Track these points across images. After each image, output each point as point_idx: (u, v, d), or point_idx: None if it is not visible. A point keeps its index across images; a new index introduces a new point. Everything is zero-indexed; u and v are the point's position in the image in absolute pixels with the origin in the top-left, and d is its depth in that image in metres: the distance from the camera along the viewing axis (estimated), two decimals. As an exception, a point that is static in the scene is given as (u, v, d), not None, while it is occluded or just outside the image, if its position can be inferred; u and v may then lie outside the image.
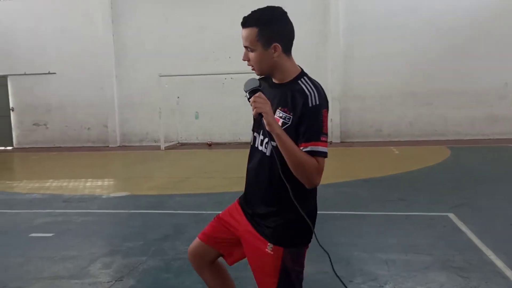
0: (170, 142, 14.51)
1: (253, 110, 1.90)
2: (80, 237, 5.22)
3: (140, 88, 14.91)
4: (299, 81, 1.98)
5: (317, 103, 1.91)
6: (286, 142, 1.87)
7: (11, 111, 15.78)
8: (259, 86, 1.97)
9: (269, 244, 2.05)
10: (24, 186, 8.77)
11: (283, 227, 2.05)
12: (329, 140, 14.20)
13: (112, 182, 8.90)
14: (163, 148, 13.73)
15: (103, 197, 7.42)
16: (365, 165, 10.22)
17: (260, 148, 2.08)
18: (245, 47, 1.99)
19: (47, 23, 15.05)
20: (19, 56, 15.28)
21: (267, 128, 1.89)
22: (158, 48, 14.68)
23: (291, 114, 1.92)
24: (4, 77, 15.61)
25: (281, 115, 1.95)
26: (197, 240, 2.40)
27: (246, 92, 1.95)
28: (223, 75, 13.74)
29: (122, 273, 4.09)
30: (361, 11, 13.87)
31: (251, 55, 1.98)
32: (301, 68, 2.06)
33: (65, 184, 8.70)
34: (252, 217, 2.18)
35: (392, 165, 9.92)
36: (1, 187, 8.55)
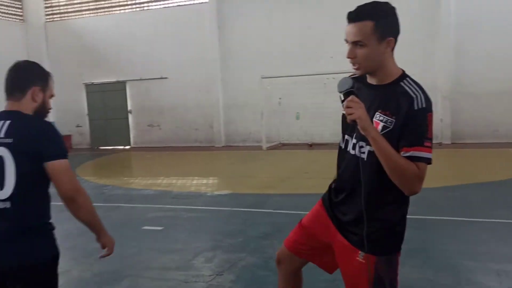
0: (272, 142, 14.75)
1: (346, 114, 1.83)
2: (186, 232, 5.54)
3: (243, 90, 15.37)
4: (402, 83, 1.87)
5: (423, 106, 1.80)
6: (383, 147, 1.78)
7: (129, 113, 17.20)
8: (353, 87, 1.87)
9: (360, 252, 1.97)
10: (139, 182, 9.52)
11: (376, 234, 1.95)
12: (438, 141, 13.45)
13: (216, 181, 9.29)
14: (265, 148, 14.01)
15: (208, 194, 7.79)
16: (478, 168, 9.49)
17: (352, 152, 1.99)
18: (354, 42, 1.86)
19: (161, 31, 16.14)
20: (137, 63, 16.59)
21: (362, 132, 1.82)
22: (261, 50, 15.01)
23: (394, 117, 1.82)
24: (124, 83, 17.06)
25: (381, 118, 1.85)
26: (283, 247, 2.39)
27: (340, 93, 1.88)
28: (325, 75, 13.62)
29: (223, 268, 4.27)
30: (476, 5, 12.90)
31: (360, 51, 1.85)
32: (402, 69, 1.95)
33: (174, 181, 9.27)
34: (341, 224, 2.10)
35: (509, 169, 9.08)
36: (119, 183, 9.35)
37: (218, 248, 4.86)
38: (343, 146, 2.07)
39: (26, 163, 2.06)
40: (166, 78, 16.33)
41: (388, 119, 1.83)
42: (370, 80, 1.95)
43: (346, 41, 1.90)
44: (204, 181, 9.13)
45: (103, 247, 2.42)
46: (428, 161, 1.79)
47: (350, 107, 1.80)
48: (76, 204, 2.15)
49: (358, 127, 1.81)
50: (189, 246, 4.99)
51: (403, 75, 1.91)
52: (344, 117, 1.99)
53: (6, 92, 2.22)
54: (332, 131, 14.19)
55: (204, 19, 15.55)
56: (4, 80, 2.24)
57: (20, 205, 2.09)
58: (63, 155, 2.11)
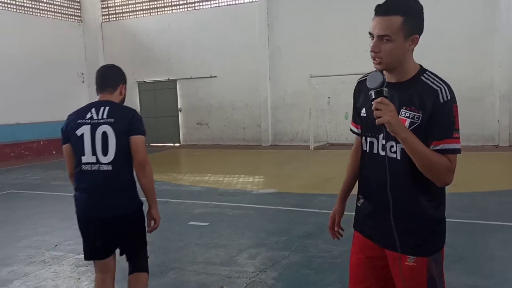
0: (319, 142, 14.66)
1: (375, 116, 1.75)
2: (231, 228, 5.62)
3: (292, 89, 15.36)
4: (422, 77, 1.85)
5: (448, 98, 1.78)
6: (413, 144, 1.75)
7: (179, 111, 17.61)
8: (383, 83, 1.76)
9: (408, 257, 1.90)
10: (187, 179, 9.74)
11: (420, 234, 1.90)
12: (495, 143, 12.88)
13: (262, 179, 9.35)
14: (312, 148, 13.94)
15: (253, 192, 7.86)
16: (537, 173, 9.00)
17: (382, 153, 1.90)
18: (380, 36, 1.82)
19: (211, 30, 16.41)
20: (187, 62, 16.96)
21: (392, 134, 1.76)
22: (310, 49, 14.94)
23: (420, 112, 1.80)
24: (174, 81, 17.48)
25: (408, 114, 1.82)
26: None
27: (371, 89, 1.78)
28: (375, 74, 13.38)
29: (266, 265, 4.31)
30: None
31: (386, 46, 1.81)
32: (419, 64, 1.92)
33: (221, 178, 9.42)
34: (382, 236, 1.98)
35: None
36: (169, 179, 9.61)
37: (262, 246, 4.90)
38: (367, 149, 2.00)
39: (121, 137, 2.83)
40: (215, 77, 16.58)
41: (415, 115, 1.81)
42: (388, 78, 1.88)
43: (371, 34, 1.86)
44: (250, 179, 9.21)
45: (151, 218, 3.03)
46: (458, 151, 1.79)
47: (379, 109, 1.74)
48: (144, 171, 2.89)
49: (388, 130, 1.75)
50: (234, 242, 5.06)
51: (422, 70, 1.89)
52: (365, 118, 2.00)
53: (99, 87, 3.07)
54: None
55: (254, 18, 15.66)
56: (96, 78, 3.10)
57: (118, 168, 2.83)
58: (143, 133, 2.93)
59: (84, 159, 2.87)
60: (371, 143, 1.98)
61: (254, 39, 15.71)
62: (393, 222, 1.88)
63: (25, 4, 16.39)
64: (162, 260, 4.62)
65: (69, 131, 2.95)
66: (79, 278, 4.22)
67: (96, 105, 2.96)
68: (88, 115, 2.91)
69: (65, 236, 5.56)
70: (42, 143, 15.29)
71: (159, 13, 17.68)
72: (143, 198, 2.94)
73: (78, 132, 2.88)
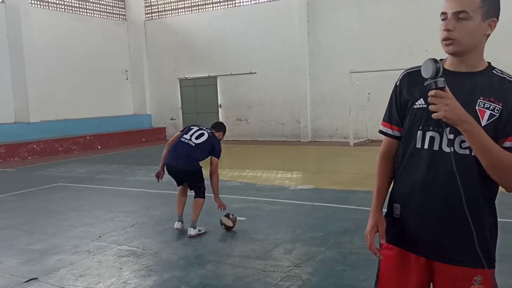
0: (359, 138, 14.48)
1: (431, 110, 1.56)
2: (268, 223, 5.69)
3: (332, 85, 15.23)
4: (494, 72, 1.68)
5: None
6: (479, 137, 1.55)
7: (219, 107, 17.83)
8: (437, 73, 1.54)
9: (476, 278, 1.67)
10: (226, 174, 9.85)
11: (487, 243, 1.69)
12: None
13: (300, 175, 9.36)
14: (352, 145, 13.79)
15: (291, 188, 7.89)
16: None
17: (447, 150, 1.66)
18: (456, 13, 1.62)
19: (252, 27, 16.50)
20: (227, 58, 17.13)
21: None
22: (351, 44, 14.77)
23: (500, 104, 1.61)
24: (215, 77, 17.71)
25: (487, 105, 1.62)
26: None
27: (426, 79, 1.57)
28: (417, 69, 13.08)
29: (301, 260, 4.35)
30: None
31: (462, 24, 1.62)
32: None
33: (259, 174, 9.50)
34: (440, 248, 1.74)
35: None
36: (207, 174, 9.74)
37: (297, 241, 4.94)
38: (421, 146, 1.74)
39: (208, 145, 5.50)
40: (255, 73, 16.66)
41: (496, 106, 1.61)
42: (456, 67, 1.70)
43: (444, 14, 1.67)
44: (288, 175, 9.24)
45: (218, 205, 5.53)
46: None
47: (435, 104, 1.54)
48: (212, 177, 5.46)
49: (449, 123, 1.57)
50: (270, 237, 5.13)
51: (491, 66, 1.72)
52: (424, 110, 1.72)
53: (213, 126, 5.93)
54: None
55: (294, 14, 15.62)
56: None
57: (197, 150, 5.46)
58: (219, 156, 5.54)
59: (185, 136, 5.48)
60: (431, 139, 1.71)
61: (294, 35, 15.67)
62: (457, 229, 1.68)
63: (73, 4, 17.04)
64: (200, 252, 4.74)
65: (186, 128, 5.73)
66: (121, 268, 4.40)
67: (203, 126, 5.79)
68: (199, 126, 5.75)
69: (109, 228, 5.79)
70: (88, 138, 15.88)
71: (200, 10, 17.94)
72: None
73: (191, 127, 5.68)
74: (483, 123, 1.61)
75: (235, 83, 17.25)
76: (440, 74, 1.54)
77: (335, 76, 14.97)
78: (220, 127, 5.87)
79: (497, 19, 1.66)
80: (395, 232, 1.86)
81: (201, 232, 5.37)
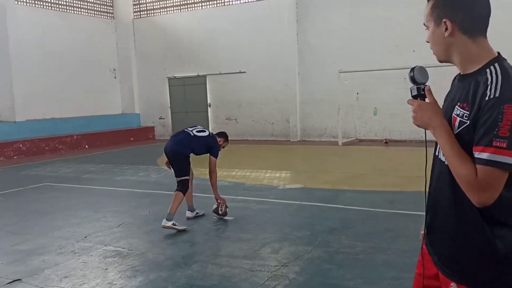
0: (348, 138, 14.53)
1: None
2: (256, 223, 5.68)
3: (321, 85, 15.24)
4: (488, 69, 1.53)
5: (496, 95, 1.44)
6: (442, 144, 1.55)
7: (208, 106, 17.77)
8: (414, 80, 1.65)
9: (452, 284, 1.64)
10: (214, 174, 9.83)
11: (467, 260, 1.59)
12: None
13: (289, 174, 9.36)
14: (341, 144, 13.83)
15: (280, 188, 7.88)
16: None
17: (441, 157, 1.66)
18: (424, 24, 1.70)
19: (241, 26, 16.45)
20: (217, 57, 17.07)
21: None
22: (340, 44, 14.80)
23: (469, 110, 1.51)
24: (204, 77, 17.64)
25: (458, 112, 1.56)
26: None
27: (411, 88, 1.67)
28: (406, 69, 13.10)
29: (288, 260, 4.34)
30: None
31: (428, 35, 1.69)
32: (496, 54, 1.61)
33: (248, 173, 9.48)
34: (435, 254, 1.74)
35: None
36: (196, 174, 9.63)
37: (285, 240, 4.93)
38: (435, 152, 1.74)
39: (206, 142, 5.99)
40: (244, 72, 16.63)
41: (465, 113, 1.53)
42: (459, 69, 1.70)
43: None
44: (277, 175, 9.23)
45: (216, 199, 5.92)
46: (497, 165, 1.41)
47: (412, 112, 1.62)
48: (211, 175, 5.93)
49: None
50: (257, 236, 5.11)
51: (494, 60, 1.56)
52: None
53: (217, 133, 6.37)
54: (413, 128, 13.61)
55: (283, 13, 15.60)
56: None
57: (190, 141, 5.89)
58: (216, 156, 5.95)
59: (188, 128, 6.11)
60: (436, 144, 1.70)
61: (283, 34, 15.67)
62: (445, 239, 1.68)
63: (60, 2, 16.86)
64: (186, 252, 4.72)
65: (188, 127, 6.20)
66: (106, 269, 4.35)
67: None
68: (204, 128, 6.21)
69: (95, 228, 5.74)
70: (75, 137, 15.73)
71: (189, 9, 17.86)
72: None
73: (197, 125, 6.30)
74: (455, 131, 1.56)
75: (224, 82, 17.20)
76: (416, 84, 1.67)
77: (325, 75, 15.00)
78: (223, 135, 6.31)
79: (455, 19, 1.58)
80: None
81: (177, 227, 5.38)
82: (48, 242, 5.23)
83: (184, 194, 5.56)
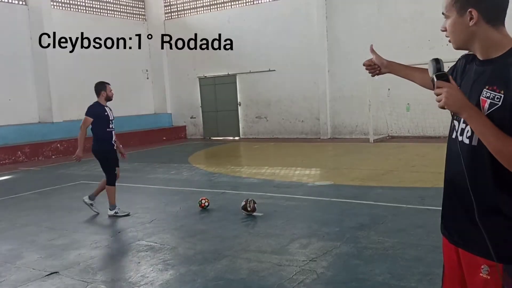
0: (379, 135, 14.34)
1: (436, 100, 1.63)
2: (284, 219, 5.70)
3: (351, 81, 15.10)
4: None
5: None
6: (478, 124, 1.56)
7: (238, 105, 17.89)
8: (438, 67, 1.64)
9: (483, 267, 1.65)
10: (245, 171, 9.92)
11: (500, 235, 1.62)
12: None
13: (318, 172, 9.33)
14: (372, 141, 13.67)
15: (309, 184, 7.88)
16: None
17: (460, 138, 1.71)
18: (443, 14, 1.73)
19: (270, 24, 16.49)
20: (246, 56, 17.17)
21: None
22: (369, 40, 14.52)
23: (501, 92, 1.56)
24: (234, 76, 17.77)
25: (488, 95, 1.60)
26: None
27: (432, 76, 1.66)
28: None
29: (316, 255, 4.35)
30: None
31: (446, 23, 1.72)
32: None
33: (277, 171, 9.50)
34: (460, 236, 1.77)
35: None
36: (227, 171, 9.84)
37: (313, 236, 4.94)
38: (452, 135, 1.79)
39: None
40: (273, 70, 16.65)
41: (496, 95, 1.58)
42: (478, 55, 1.73)
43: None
44: (307, 172, 9.22)
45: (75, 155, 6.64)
46: None
47: (438, 94, 1.61)
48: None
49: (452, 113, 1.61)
50: (286, 232, 5.14)
51: None
52: None
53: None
54: (446, 124, 13.30)
55: (312, 10, 15.55)
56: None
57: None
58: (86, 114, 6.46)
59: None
60: (453, 126, 1.77)
61: (312, 32, 15.61)
62: (470, 221, 1.67)
63: (94, 5, 17.32)
64: (216, 247, 4.79)
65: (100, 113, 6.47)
66: (139, 262, 4.47)
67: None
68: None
69: (128, 224, 5.90)
70: (110, 137, 16.12)
71: (218, 9, 18.02)
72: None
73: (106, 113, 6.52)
74: (485, 113, 1.60)
75: (254, 81, 17.27)
76: (441, 71, 1.64)
77: (354, 72, 14.81)
78: (98, 87, 6.71)
79: (480, 8, 1.62)
80: (441, 220, 1.89)
81: (118, 214, 6.24)
82: (82, 237, 5.41)
83: (109, 185, 6.42)
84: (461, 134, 1.71)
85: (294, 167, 9.88)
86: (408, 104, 14.15)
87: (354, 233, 4.93)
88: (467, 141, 1.68)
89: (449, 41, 1.76)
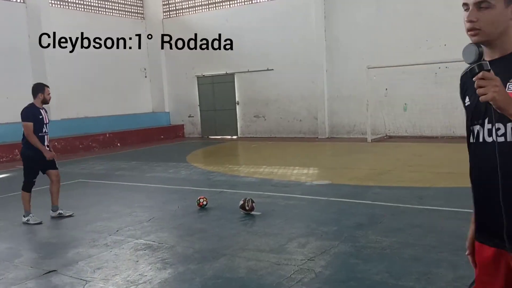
0: (377, 134, 14.37)
1: (478, 94, 1.52)
2: (282, 218, 5.71)
3: (349, 81, 15.13)
4: None
5: None
6: None
7: (236, 104, 17.88)
8: (480, 56, 1.53)
9: None
10: (243, 170, 9.93)
11: None
12: None
13: (316, 171, 9.35)
14: (370, 141, 13.69)
15: (307, 184, 7.89)
16: None
17: (489, 140, 1.66)
18: (477, 3, 1.62)
19: (268, 23, 16.47)
20: (244, 55, 17.16)
21: (499, 111, 1.54)
22: (367, 39, 14.63)
23: None
24: (232, 75, 17.77)
25: None
26: None
27: (470, 64, 1.57)
28: (436, 64, 12.91)
29: (315, 254, 4.37)
30: None
31: (484, 13, 1.61)
32: None
33: (275, 170, 9.52)
34: (494, 235, 1.71)
35: None
36: (225, 170, 9.84)
37: (311, 235, 4.95)
38: (473, 140, 1.74)
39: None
40: (272, 70, 16.66)
41: None
42: (489, 55, 1.68)
43: (465, 5, 1.67)
44: (305, 171, 9.24)
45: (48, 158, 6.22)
46: None
47: (482, 86, 1.49)
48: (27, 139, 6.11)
49: (495, 108, 1.52)
50: (284, 231, 5.15)
51: None
52: (470, 106, 1.75)
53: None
54: (444, 124, 13.45)
55: (310, 9, 15.56)
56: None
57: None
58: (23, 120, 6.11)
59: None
60: (478, 132, 1.71)
61: (311, 31, 15.62)
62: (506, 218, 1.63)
63: (92, 3, 17.29)
64: (214, 246, 4.80)
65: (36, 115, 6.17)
66: (137, 261, 4.48)
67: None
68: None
69: (126, 222, 5.90)
70: (107, 135, 16.12)
71: (217, 8, 18.00)
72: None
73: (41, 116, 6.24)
74: None
75: (252, 80, 17.27)
76: (483, 58, 1.53)
77: (352, 72, 14.87)
78: (35, 89, 6.64)
79: None
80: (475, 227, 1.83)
81: (30, 222, 6.05)
82: (81, 236, 5.42)
83: (24, 192, 6.23)
84: (490, 135, 1.65)
85: (292, 166, 9.89)
86: (405, 104, 14.18)
87: (352, 232, 4.94)
88: (501, 139, 1.62)
89: (473, 34, 1.66)
